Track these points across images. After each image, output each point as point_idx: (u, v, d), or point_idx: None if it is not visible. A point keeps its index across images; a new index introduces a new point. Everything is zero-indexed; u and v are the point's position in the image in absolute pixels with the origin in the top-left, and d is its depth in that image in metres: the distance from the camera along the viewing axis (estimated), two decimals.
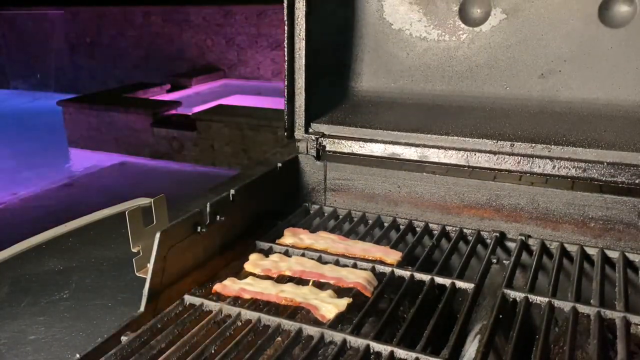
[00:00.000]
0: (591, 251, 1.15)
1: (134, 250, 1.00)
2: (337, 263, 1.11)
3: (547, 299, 0.95)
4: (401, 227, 1.30)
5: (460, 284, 1.03)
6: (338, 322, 0.93)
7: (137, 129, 6.60)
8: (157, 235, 0.93)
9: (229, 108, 6.58)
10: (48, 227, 1.55)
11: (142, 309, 0.93)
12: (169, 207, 1.07)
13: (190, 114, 6.49)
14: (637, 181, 1.10)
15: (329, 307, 0.95)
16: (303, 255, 1.15)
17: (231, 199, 1.14)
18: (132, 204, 1.57)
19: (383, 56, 1.44)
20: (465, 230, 1.26)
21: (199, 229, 1.04)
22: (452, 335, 0.88)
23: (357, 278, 1.03)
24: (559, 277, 1.05)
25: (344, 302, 0.97)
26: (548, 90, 1.28)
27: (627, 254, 1.12)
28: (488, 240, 1.22)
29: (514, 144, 1.20)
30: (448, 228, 1.27)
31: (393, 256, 1.14)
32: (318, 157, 1.40)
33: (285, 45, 1.32)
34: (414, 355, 0.82)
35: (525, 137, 1.21)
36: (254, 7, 8.76)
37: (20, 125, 8.70)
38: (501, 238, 1.23)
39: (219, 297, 1.01)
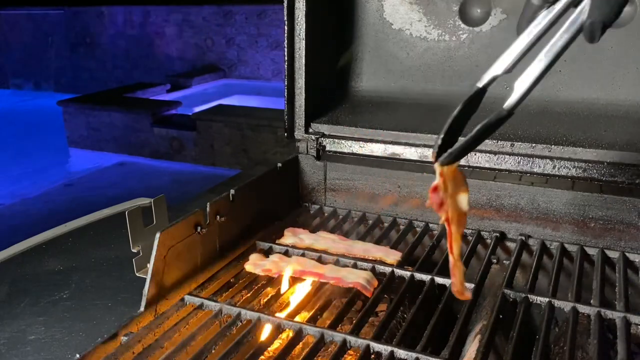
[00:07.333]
0: (591, 251, 1.15)
1: (134, 250, 1.00)
2: (337, 263, 1.11)
3: (547, 299, 0.95)
4: (401, 227, 1.30)
5: None
6: (338, 322, 0.93)
7: (137, 129, 6.59)
8: (157, 235, 0.93)
9: (229, 108, 6.57)
10: (48, 227, 1.55)
11: (142, 309, 0.94)
12: (169, 207, 1.07)
13: (190, 114, 6.49)
14: (637, 181, 1.10)
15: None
16: (303, 255, 1.15)
17: (231, 199, 1.14)
18: (132, 204, 1.57)
19: (383, 56, 1.44)
20: (465, 230, 1.26)
21: (199, 229, 1.04)
22: (452, 335, 0.88)
23: (357, 278, 1.03)
24: (559, 277, 1.05)
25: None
26: (548, 90, 1.28)
27: (627, 254, 1.12)
28: (488, 240, 1.22)
29: (514, 144, 1.20)
30: None
31: (393, 256, 1.14)
32: (318, 157, 1.40)
33: (285, 45, 1.32)
34: (414, 355, 0.82)
35: (525, 137, 1.21)
36: (254, 7, 8.75)
37: (20, 125, 8.69)
38: (501, 238, 1.23)
39: (221, 296, 1.01)
